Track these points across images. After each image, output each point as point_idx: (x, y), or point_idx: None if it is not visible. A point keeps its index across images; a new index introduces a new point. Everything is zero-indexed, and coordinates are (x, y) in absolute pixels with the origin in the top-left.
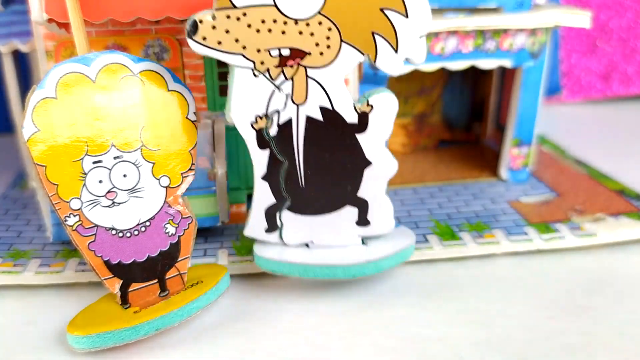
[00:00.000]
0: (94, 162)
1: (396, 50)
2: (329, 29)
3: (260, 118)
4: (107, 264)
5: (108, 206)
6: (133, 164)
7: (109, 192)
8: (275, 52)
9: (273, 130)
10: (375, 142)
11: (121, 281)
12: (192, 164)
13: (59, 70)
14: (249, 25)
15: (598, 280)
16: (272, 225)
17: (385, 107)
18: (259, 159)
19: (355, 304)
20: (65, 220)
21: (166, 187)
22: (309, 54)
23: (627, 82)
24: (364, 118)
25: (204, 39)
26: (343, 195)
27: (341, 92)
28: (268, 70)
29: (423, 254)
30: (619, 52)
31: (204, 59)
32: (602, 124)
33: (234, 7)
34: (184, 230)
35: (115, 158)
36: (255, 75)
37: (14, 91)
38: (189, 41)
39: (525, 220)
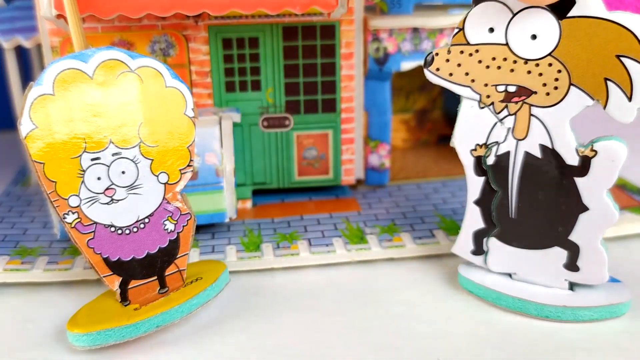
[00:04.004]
0: (92, 159)
1: (630, 99)
2: (559, 71)
3: (480, 147)
4: (107, 261)
5: (107, 203)
6: (131, 160)
7: (107, 189)
8: (501, 88)
9: (491, 160)
10: (595, 189)
11: (120, 278)
12: (191, 160)
13: (57, 66)
14: (480, 61)
15: None
16: (479, 248)
17: (611, 155)
18: (474, 184)
19: (355, 300)
20: (64, 218)
21: (165, 183)
22: (535, 93)
23: None
24: (585, 163)
25: (438, 69)
26: (554, 235)
27: (564, 133)
28: (493, 104)
29: (430, 249)
30: None
31: (210, 54)
32: (602, 119)
33: (468, 43)
34: (183, 226)
35: (113, 155)
36: (480, 107)
37: (17, 87)
38: (425, 71)
39: None
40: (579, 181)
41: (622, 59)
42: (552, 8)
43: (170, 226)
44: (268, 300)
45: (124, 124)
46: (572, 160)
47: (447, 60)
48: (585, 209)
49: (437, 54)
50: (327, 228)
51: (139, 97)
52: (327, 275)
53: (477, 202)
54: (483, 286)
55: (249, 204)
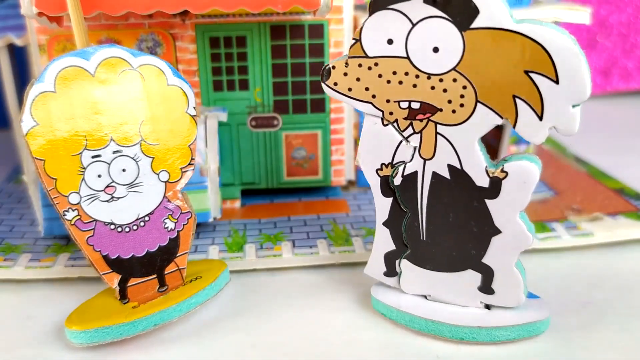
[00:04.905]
0: (93, 157)
1: (540, 118)
2: (464, 87)
3: (386, 166)
4: (106, 258)
5: (107, 201)
6: (132, 158)
7: (107, 186)
8: (405, 105)
9: (397, 180)
10: (507, 211)
11: (120, 276)
12: (192, 158)
13: (58, 64)
14: (380, 76)
15: (598, 275)
16: (391, 270)
17: (522, 176)
18: (382, 205)
19: (355, 299)
20: (64, 215)
21: (165, 182)
22: (440, 110)
23: (627, 77)
24: (495, 184)
25: (335, 84)
26: (466, 258)
27: (473, 153)
28: (397, 121)
29: None
30: (619, 47)
31: (197, 53)
32: (603, 119)
33: (366, 56)
34: (183, 225)
35: (114, 152)
36: (384, 124)
37: (10, 85)
38: (322, 85)
39: None
40: (490, 203)
41: (531, 74)
42: (453, 18)
43: (170, 224)
44: (268, 298)
45: (125, 122)
46: (482, 181)
47: (345, 74)
48: (497, 231)
49: (334, 67)
50: (313, 229)
51: (141, 95)
52: (328, 275)
53: (386, 224)
54: (395, 309)
55: (237, 204)
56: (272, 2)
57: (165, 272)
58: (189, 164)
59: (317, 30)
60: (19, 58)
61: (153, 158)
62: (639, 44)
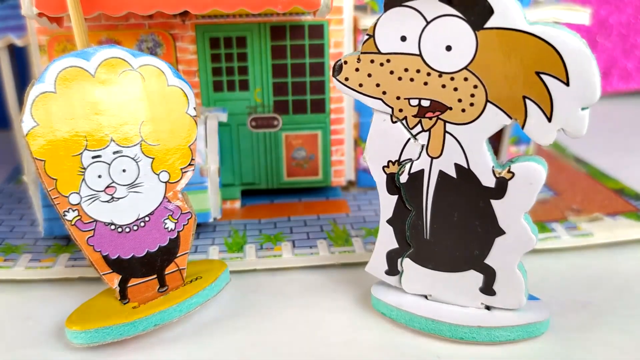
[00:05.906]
0: (93, 157)
1: (549, 120)
2: (475, 87)
3: (393, 163)
4: (106, 259)
5: (107, 201)
6: (132, 159)
7: (108, 187)
8: (414, 102)
9: (404, 178)
10: (511, 212)
11: (120, 276)
12: (192, 159)
13: (59, 64)
14: (392, 72)
15: (598, 275)
16: (393, 269)
17: (529, 177)
18: (386, 202)
19: (355, 299)
20: (64, 215)
21: (165, 182)
22: (450, 108)
23: (626, 78)
24: (501, 184)
25: (346, 79)
26: (469, 259)
27: (480, 152)
28: (405, 118)
29: None
30: (619, 47)
31: (197, 53)
32: (602, 119)
33: (379, 52)
34: (184, 225)
35: (114, 153)
36: (393, 121)
37: (10, 86)
38: (334, 80)
39: None
40: (495, 204)
41: (542, 76)
42: (468, 17)
43: (170, 225)
44: (268, 298)
45: (125, 122)
46: (488, 181)
47: (357, 70)
48: (501, 232)
49: (345, 62)
50: (313, 230)
51: (141, 95)
52: (328, 275)
53: (390, 222)
54: (396, 308)
55: (237, 205)
56: (272, 3)
57: (166, 273)
58: (189, 165)
59: (317, 30)
60: (19, 58)
61: (153, 158)
62: (638, 44)
